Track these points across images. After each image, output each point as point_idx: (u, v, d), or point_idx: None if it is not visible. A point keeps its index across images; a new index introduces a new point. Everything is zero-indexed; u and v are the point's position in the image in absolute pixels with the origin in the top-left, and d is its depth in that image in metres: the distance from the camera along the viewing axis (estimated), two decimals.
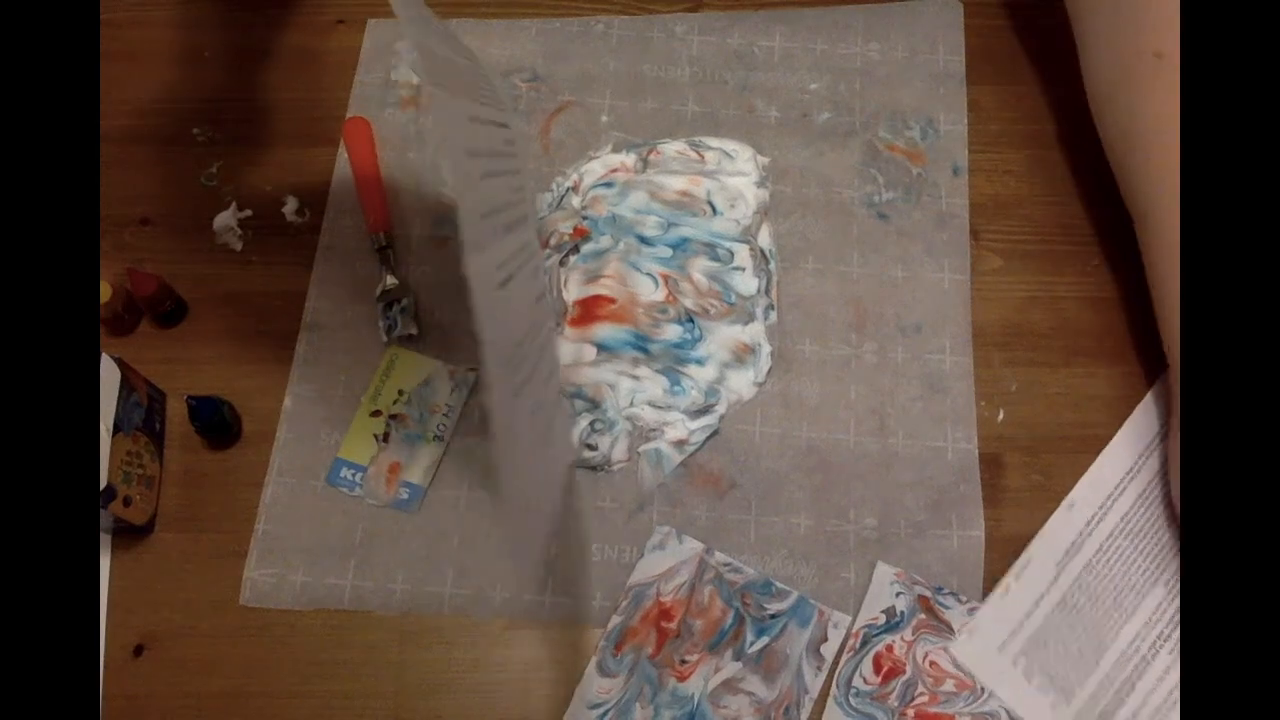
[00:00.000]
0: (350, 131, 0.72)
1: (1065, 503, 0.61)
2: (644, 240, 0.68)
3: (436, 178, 0.71)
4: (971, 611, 0.59)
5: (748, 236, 0.68)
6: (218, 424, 0.62)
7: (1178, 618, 0.58)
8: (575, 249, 0.68)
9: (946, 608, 0.59)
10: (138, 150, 0.72)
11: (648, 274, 0.66)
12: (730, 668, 0.58)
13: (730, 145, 0.71)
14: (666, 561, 0.60)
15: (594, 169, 0.71)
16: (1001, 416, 0.64)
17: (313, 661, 0.59)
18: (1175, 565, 0.59)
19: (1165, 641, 0.58)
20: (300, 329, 0.66)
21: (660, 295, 0.66)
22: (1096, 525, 0.60)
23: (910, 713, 0.57)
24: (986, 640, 0.58)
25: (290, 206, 0.70)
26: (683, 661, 0.58)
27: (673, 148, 0.71)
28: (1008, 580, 0.59)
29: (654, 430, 0.63)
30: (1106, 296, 0.67)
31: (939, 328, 0.66)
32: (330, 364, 0.65)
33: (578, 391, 0.64)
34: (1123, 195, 0.63)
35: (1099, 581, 0.59)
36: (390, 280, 0.67)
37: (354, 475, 0.63)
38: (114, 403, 0.58)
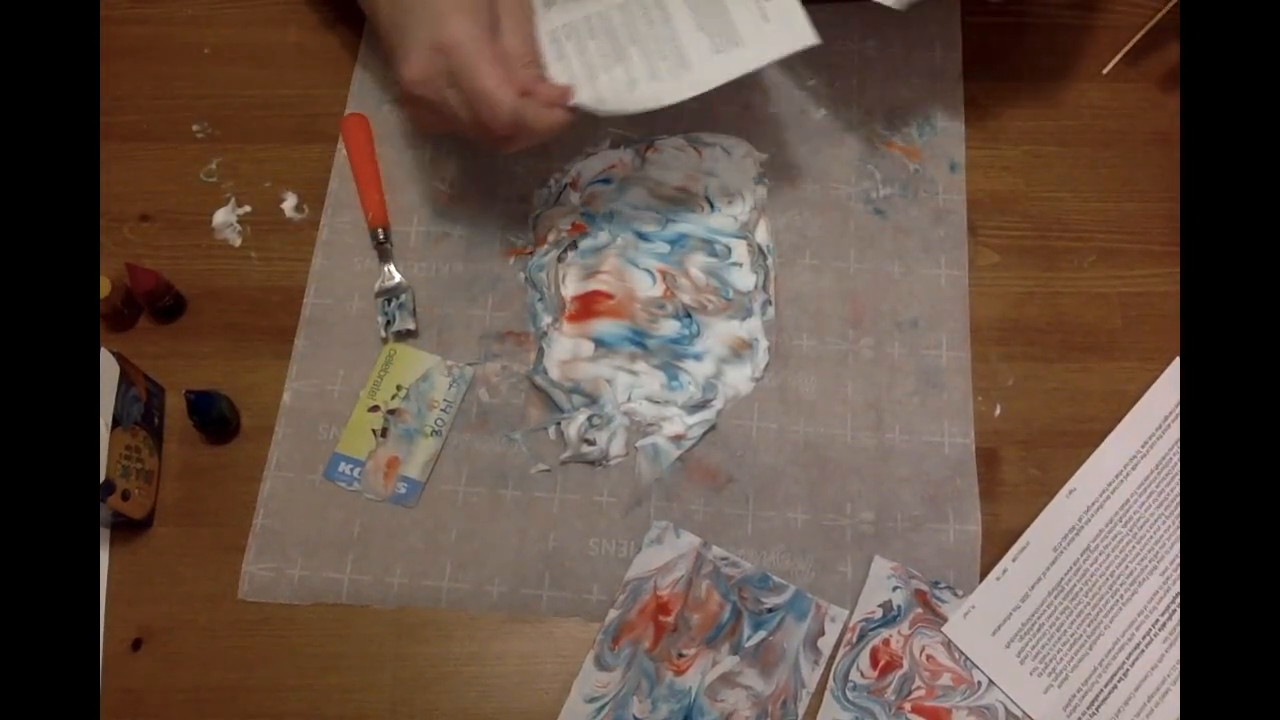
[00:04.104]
0: (348, 128, 0.72)
1: (1065, 488, 0.61)
2: (642, 236, 0.68)
3: (434, 173, 0.71)
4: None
5: (745, 232, 0.68)
6: (216, 418, 0.63)
7: (1173, 606, 0.58)
8: (573, 245, 0.68)
9: (943, 601, 0.59)
10: (137, 147, 0.72)
11: (645, 270, 0.67)
12: (727, 661, 0.58)
13: (728, 141, 0.71)
14: (664, 556, 0.60)
15: (592, 165, 0.71)
16: (998, 411, 0.64)
17: (310, 655, 0.59)
18: (1173, 554, 0.59)
19: (1160, 630, 0.58)
20: (299, 324, 0.67)
21: (658, 291, 0.66)
22: (1095, 512, 0.61)
23: (907, 706, 0.57)
24: (981, 622, 0.58)
25: (289, 202, 0.71)
26: (680, 655, 0.58)
27: (670, 144, 0.71)
28: (1004, 563, 0.60)
29: (651, 425, 0.63)
30: (1103, 292, 0.67)
31: (936, 323, 0.66)
32: (329, 359, 0.66)
33: (575, 386, 0.64)
34: None
35: (1095, 567, 0.59)
36: (389, 276, 0.67)
37: (352, 470, 0.63)
38: (113, 397, 0.58)
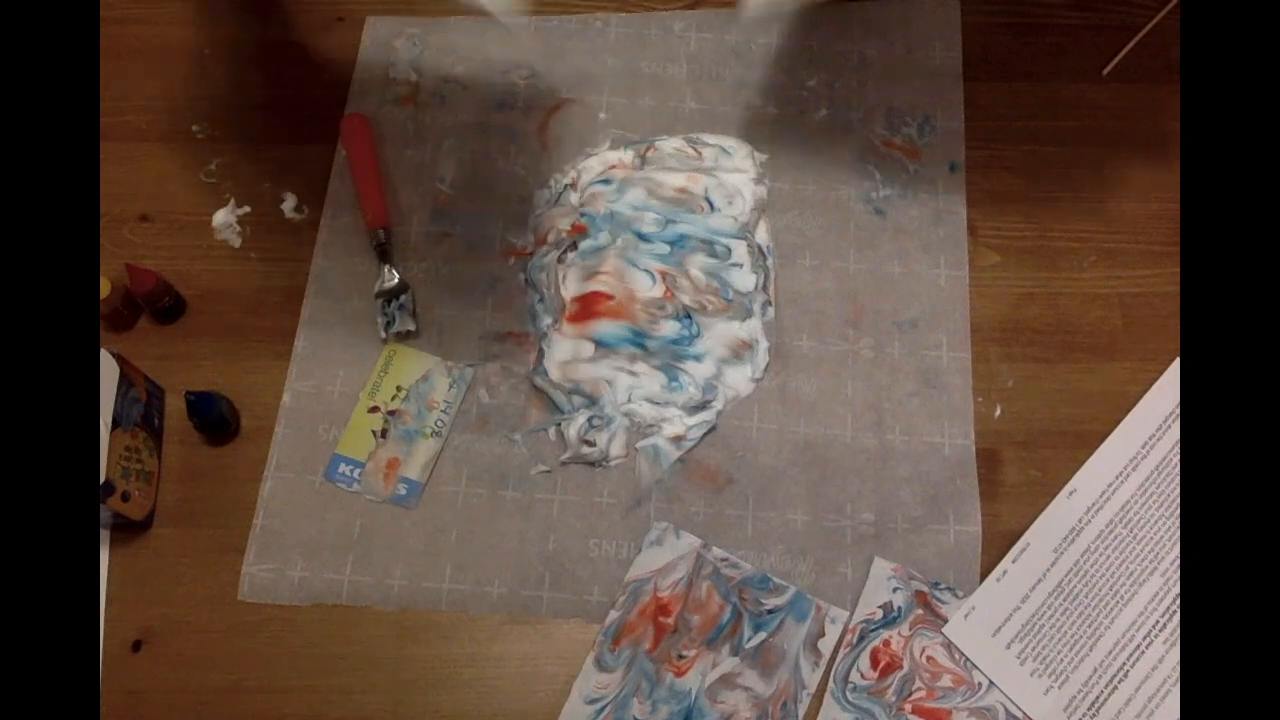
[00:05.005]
0: (349, 128, 0.72)
1: (1065, 490, 0.61)
2: (642, 237, 0.68)
3: (434, 173, 0.71)
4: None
5: (745, 233, 0.68)
6: (216, 419, 0.63)
7: (1174, 607, 0.58)
8: (573, 246, 0.68)
9: (943, 602, 0.59)
10: (137, 147, 0.72)
11: (645, 270, 0.67)
12: (728, 663, 0.58)
13: (728, 142, 0.71)
14: (664, 557, 0.60)
15: (592, 166, 0.71)
16: (998, 412, 0.64)
17: (310, 656, 0.59)
18: (1173, 555, 0.59)
19: (1160, 631, 0.58)
20: (299, 325, 0.67)
21: (658, 291, 0.66)
22: (1096, 513, 0.61)
23: (907, 707, 0.57)
24: (981, 623, 0.58)
25: (289, 203, 0.70)
26: (680, 656, 0.58)
27: (670, 144, 0.71)
28: (1005, 564, 0.60)
29: (651, 426, 0.63)
30: (1103, 293, 0.67)
31: (936, 323, 0.66)
32: (328, 360, 0.66)
33: (575, 387, 0.64)
34: None
35: (1096, 569, 0.59)
36: (389, 277, 0.67)
37: (352, 471, 0.63)
38: (113, 398, 0.58)
